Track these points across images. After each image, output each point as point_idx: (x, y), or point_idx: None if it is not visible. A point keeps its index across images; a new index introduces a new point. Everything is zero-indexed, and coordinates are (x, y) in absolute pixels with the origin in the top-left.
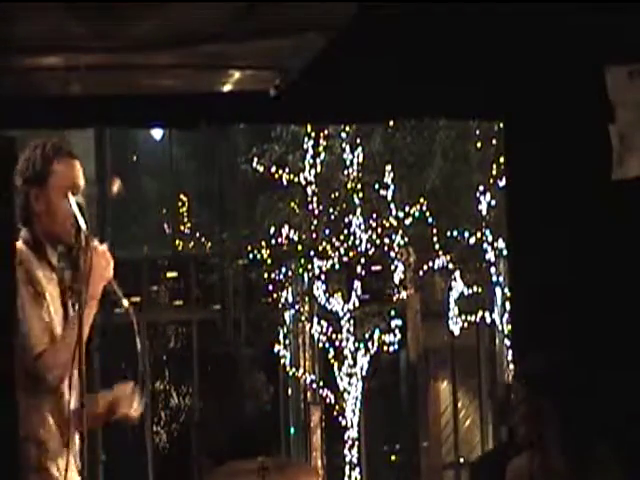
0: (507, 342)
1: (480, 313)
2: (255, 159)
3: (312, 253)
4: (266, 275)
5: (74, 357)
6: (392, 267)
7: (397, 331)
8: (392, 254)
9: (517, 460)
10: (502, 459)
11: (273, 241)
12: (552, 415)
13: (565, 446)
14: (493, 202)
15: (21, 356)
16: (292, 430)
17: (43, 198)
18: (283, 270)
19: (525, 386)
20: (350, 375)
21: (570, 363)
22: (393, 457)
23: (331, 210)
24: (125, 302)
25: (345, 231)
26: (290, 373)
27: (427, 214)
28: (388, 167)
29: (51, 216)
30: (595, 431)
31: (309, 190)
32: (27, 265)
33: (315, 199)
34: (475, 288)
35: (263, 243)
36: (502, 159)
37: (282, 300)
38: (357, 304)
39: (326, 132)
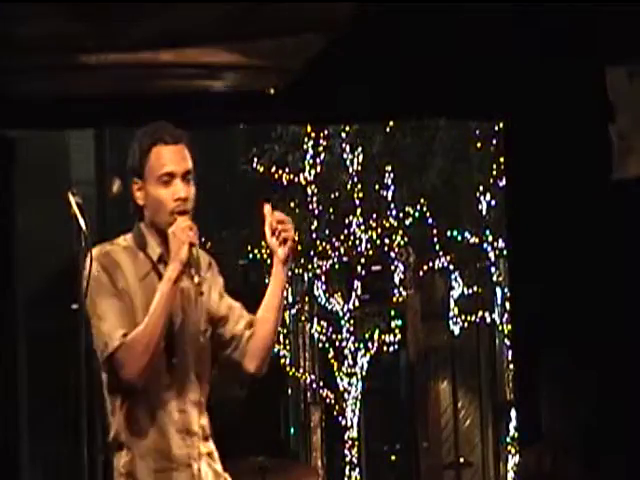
0: (507, 342)
1: (480, 313)
2: (255, 159)
3: (312, 253)
4: (266, 275)
5: (154, 352)
6: (392, 267)
7: (397, 331)
8: (392, 254)
9: (527, 455)
10: None
11: None
12: (571, 417)
13: (580, 451)
14: (493, 202)
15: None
16: (292, 430)
17: (143, 190)
18: None
19: (554, 384)
20: (350, 375)
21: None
22: (393, 457)
23: (331, 210)
24: (196, 277)
25: (345, 231)
26: (290, 373)
27: (427, 214)
28: (388, 167)
29: (150, 207)
30: (611, 441)
31: (309, 190)
32: (109, 267)
33: (315, 199)
34: (475, 288)
35: (263, 243)
36: (502, 159)
37: None
38: (357, 304)
39: (326, 132)
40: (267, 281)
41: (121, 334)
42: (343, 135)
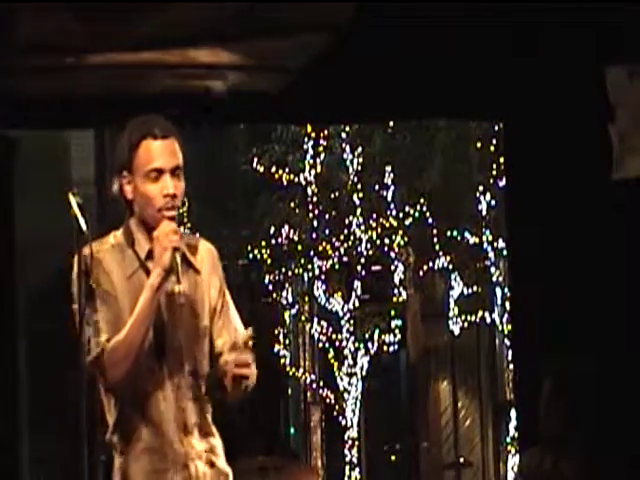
0: (507, 342)
1: (480, 313)
2: (255, 159)
3: (312, 253)
4: (266, 275)
5: (136, 358)
6: (392, 267)
7: (397, 331)
8: (392, 254)
9: (529, 455)
10: None
11: (273, 241)
12: (576, 419)
13: (582, 453)
14: (493, 202)
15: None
16: (292, 430)
17: (132, 184)
18: (283, 270)
19: (555, 385)
20: (350, 375)
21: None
22: (393, 457)
23: (331, 210)
24: (177, 287)
25: (345, 231)
26: (290, 373)
27: (427, 214)
28: (388, 167)
29: (138, 203)
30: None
31: (309, 190)
32: (94, 269)
33: (315, 199)
34: (475, 288)
35: (263, 243)
36: (502, 159)
37: (282, 300)
38: (357, 304)
39: (326, 132)
40: (267, 281)
41: (103, 340)
42: (343, 135)
